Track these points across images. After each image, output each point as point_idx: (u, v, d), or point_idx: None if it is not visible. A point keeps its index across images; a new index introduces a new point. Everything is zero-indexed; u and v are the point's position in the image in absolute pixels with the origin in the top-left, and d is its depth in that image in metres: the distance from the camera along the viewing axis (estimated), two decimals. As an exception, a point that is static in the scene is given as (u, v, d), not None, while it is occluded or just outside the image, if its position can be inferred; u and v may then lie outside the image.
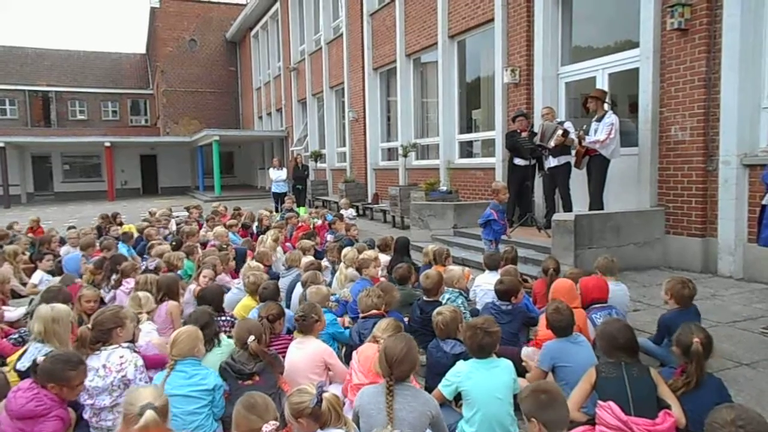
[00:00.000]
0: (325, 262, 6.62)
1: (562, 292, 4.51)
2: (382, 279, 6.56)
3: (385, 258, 7.36)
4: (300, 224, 10.79)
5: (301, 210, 15.13)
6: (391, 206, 12.76)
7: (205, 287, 5.31)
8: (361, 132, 17.07)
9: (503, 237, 7.26)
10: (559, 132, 8.15)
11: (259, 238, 8.60)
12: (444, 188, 11.50)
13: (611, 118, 7.63)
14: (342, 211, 12.53)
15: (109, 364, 3.59)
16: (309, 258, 6.59)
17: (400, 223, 12.43)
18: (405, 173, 13.87)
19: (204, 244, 8.60)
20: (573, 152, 8.30)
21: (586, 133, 7.83)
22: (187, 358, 3.48)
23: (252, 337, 3.68)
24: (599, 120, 7.79)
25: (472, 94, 12.39)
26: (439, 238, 9.73)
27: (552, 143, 8.19)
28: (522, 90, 9.96)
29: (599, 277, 4.89)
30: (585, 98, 8.05)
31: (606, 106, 7.89)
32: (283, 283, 6.11)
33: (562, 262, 6.26)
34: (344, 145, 18.99)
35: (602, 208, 7.81)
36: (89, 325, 3.78)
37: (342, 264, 6.53)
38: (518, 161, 9.33)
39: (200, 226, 10.47)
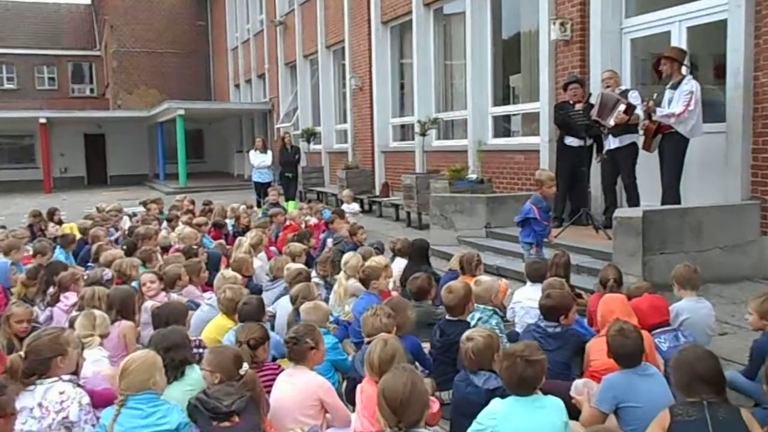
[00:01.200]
0: (314, 278, 6.62)
1: (612, 310, 4.52)
2: (394, 293, 6.58)
3: (397, 266, 7.38)
4: (288, 223, 10.83)
5: (290, 204, 15.21)
6: (405, 200, 12.81)
7: (165, 303, 5.33)
8: (367, 104, 17.13)
9: (546, 240, 7.27)
10: (621, 108, 8.14)
11: (236, 241, 8.64)
12: (474, 176, 11.53)
13: (690, 84, 7.60)
14: (343, 207, 12.58)
15: (46, 403, 3.58)
16: (298, 266, 6.60)
17: (416, 222, 12.47)
18: (423, 157, 13.89)
19: (166, 249, 8.66)
20: (641, 130, 8.28)
21: (658, 104, 7.81)
22: (141, 392, 3.48)
23: (246, 366, 3.70)
24: (675, 87, 7.75)
25: (510, 55, 12.38)
26: (468, 240, 9.73)
27: (611, 122, 8.20)
28: (575, 49, 9.96)
29: (655, 295, 4.92)
30: (657, 59, 8.02)
31: (684, 70, 7.85)
32: (266, 299, 6.14)
33: (626, 271, 6.23)
34: (345, 122, 19.06)
35: (679, 202, 7.80)
36: (21, 353, 3.78)
37: (342, 274, 6.55)
38: (570, 141, 9.33)
39: (160, 225, 10.57)
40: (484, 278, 5.48)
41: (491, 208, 9.99)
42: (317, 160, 20.56)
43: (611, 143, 8.65)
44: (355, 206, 13.10)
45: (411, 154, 14.79)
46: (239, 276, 6.36)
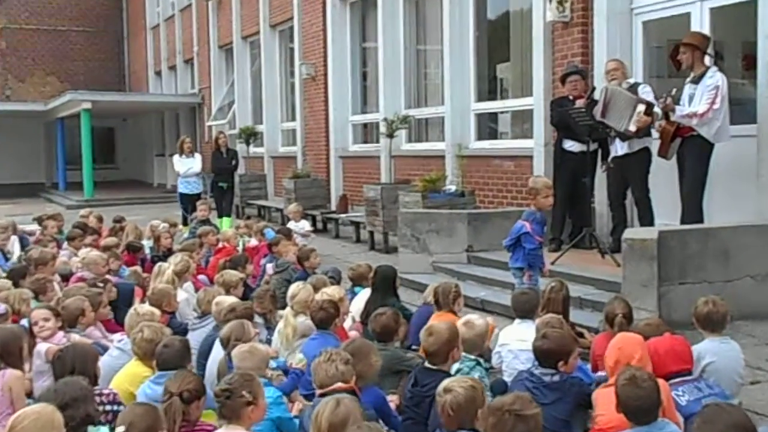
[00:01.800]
0: (255, 317, 6.56)
1: (625, 352, 4.54)
2: (354, 334, 6.51)
3: (358, 299, 7.35)
4: (221, 245, 10.76)
5: (225, 222, 15.12)
6: (368, 216, 12.83)
7: (70, 345, 5.23)
8: (321, 98, 17.18)
9: (541, 271, 7.30)
10: (640, 108, 8.25)
11: (156, 268, 8.54)
12: (452, 188, 11.60)
13: (715, 78, 7.75)
14: (290, 225, 12.53)
15: None
16: (232, 299, 6.56)
17: (381, 244, 12.49)
18: (390, 164, 13.94)
19: (66, 278, 8.51)
20: (655, 132, 8.42)
21: (677, 101, 7.95)
22: (33, 461, 3.39)
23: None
24: (696, 81, 7.91)
25: (497, 40, 12.52)
26: (445, 267, 9.76)
27: (632, 127, 8.32)
28: (575, 33, 10.12)
29: (676, 336, 4.95)
30: (674, 47, 8.18)
31: (707, 60, 8.01)
32: (192, 340, 6.07)
33: (637, 305, 6.29)
34: (293, 119, 19.08)
35: (701, 221, 7.92)
36: None
37: (288, 310, 6.52)
38: (570, 145, 9.46)
39: (59, 248, 10.41)
40: (476, 319, 5.39)
41: (474, 228, 10.03)
42: (258, 166, 20.51)
43: (619, 149, 8.78)
44: (306, 224, 13.06)
45: (375, 160, 14.83)
46: (158, 312, 6.28)
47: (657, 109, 8.27)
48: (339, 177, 16.53)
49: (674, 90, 8.06)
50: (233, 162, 16.85)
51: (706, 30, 8.57)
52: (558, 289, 6.17)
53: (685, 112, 7.83)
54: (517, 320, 5.83)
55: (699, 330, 5.23)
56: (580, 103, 9.10)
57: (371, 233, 12.89)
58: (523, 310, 5.81)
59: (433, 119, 14.00)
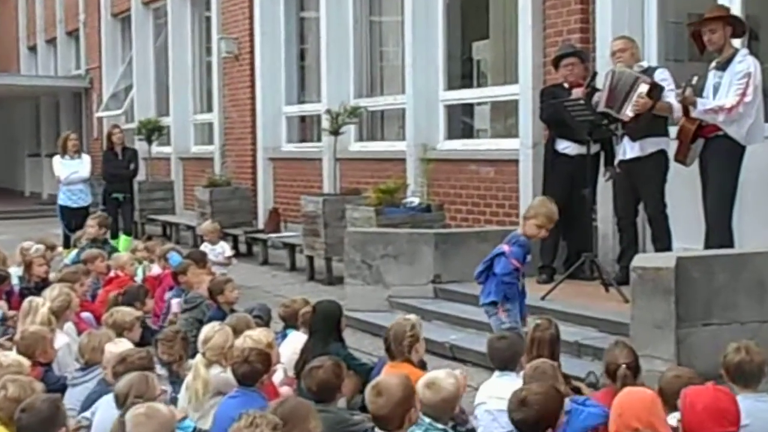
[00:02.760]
0: (158, 368, 6.48)
1: (626, 419, 4.56)
2: (285, 391, 6.46)
3: (291, 345, 7.31)
4: (113, 273, 10.62)
5: (120, 242, 14.97)
6: (306, 237, 12.83)
7: None
8: (246, 83, 17.20)
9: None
10: (641, 89, 8.37)
11: (26, 304, 8.39)
12: (415, 201, 11.63)
13: (746, 62, 7.86)
14: (204, 247, 12.43)
15: None
16: (126, 345, 6.48)
17: (323, 272, 12.50)
18: (335, 169, 13.86)
19: None
20: (672, 130, 8.51)
21: (698, 93, 8.03)
22: None
23: None
24: (723, 68, 8.01)
25: (474, 10, 12.64)
26: (405, 302, 9.76)
27: (629, 112, 8.43)
28: (573, 4, 10.24)
29: (720, 388, 4.94)
30: (697, 24, 8.27)
31: (737, 42, 8.13)
32: (72, 398, 5.98)
33: (649, 352, 6.36)
34: (209, 110, 19.07)
35: (731, 244, 8.00)
36: None
37: (199, 359, 6.46)
38: (565, 147, 9.57)
39: None
40: (443, 378, 5.34)
41: (443, 252, 10.03)
42: (164, 171, 20.43)
43: (628, 151, 8.86)
44: (225, 247, 12.94)
45: (315, 163, 14.88)
46: (27, 363, 6.17)
47: (672, 99, 8.39)
48: (269, 185, 16.53)
49: (695, 78, 8.13)
50: (131, 166, 16.67)
51: (737, 3, 8.71)
52: (545, 327, 6.17)
53: (709, 106, 7.91)
54: (497, 372, 5.82)
55: (728, 384, 5.24)
56: (577, 92, 9.18)
57: (310, 259, 12.87)
58: (503, 359, 5.80)
59: (390, 112, 14.07)
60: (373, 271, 10.20)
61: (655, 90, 8.38)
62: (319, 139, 14.91)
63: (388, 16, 14.36)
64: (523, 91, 10.81)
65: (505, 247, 7.10)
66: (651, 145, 8.73)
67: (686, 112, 8.16)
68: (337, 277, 11.83)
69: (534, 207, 7.33)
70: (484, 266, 7.19)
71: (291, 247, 13.85)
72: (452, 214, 11.85)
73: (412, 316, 6.66)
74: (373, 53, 14.81)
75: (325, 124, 13.72)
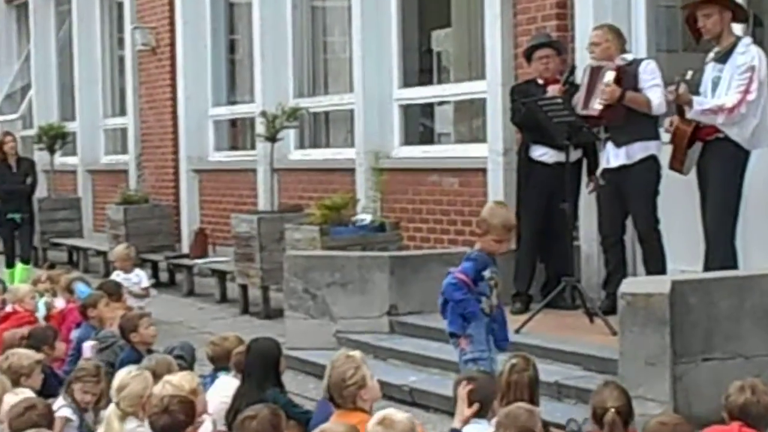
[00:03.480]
0: (63, 410, 6.44)
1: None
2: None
3: (221, 391, 7.29)
4: (10, 308, 10.52)
5: (17, 272, 14.89)
6: (239, 262, 12.81)
7: None
8: (166, 81, 17.18)
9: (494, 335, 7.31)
10: (607, 77, 8.52)
11: None
12: (366, 218, 11.60)
13: (750, 54, 7.92)
14: (116, 276, 12.34)
15: None
16: (25, 394, 6.44)
17: (259, 304, 12.50)
18: (272, 181, 13.85)
19: None
20: (664, 131, 8.58)
21: (694, 89, 8.09)
22: None
23: None
24: (723, 60, 8.08)
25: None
26: (356, 338, 9.70)
27: (596, 104, 8.57)
28: (547, -15, 10.38)
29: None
30: (690, 8, 8.33)
31: (739, 29, 8.21)
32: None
33: (641, 393, 6.37)
34: (122, 113, 19.00)
35: (734, 264, 8.04)
36: None
37: (112, 409, 6.42)
38: (541, 154, 9.62)
39: None
40: (394, 413, 5.37)
41: (399, 279, 10.02)
42: (69, 186, 20.31)
43: (612, 158, 8.90)
44: (141, 276, 12.86)
45: (249, 175, 14.91)
46: None
47: (652, 93, 8.54)
48: (194, 202, 16.48)
49: (690, 72, 8.15)
50: (28, 180, 16.50)
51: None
52: (522, 368, 6.14)
53: (706, 105, 7.95)
54: (473, 424, 5.81)
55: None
56: (554, 89, 9.24)
57: (243, 288, 12.86)
58: (479, 403, 5.81)
59: (337, 114, 14.12)
60: (318, 302, 10.17)
61: (624, 76, 8.49)
62: (253, 147, 14.90)
63: (333, 0, 14.37)
64: (492, 89, 10.85)
65: (461, 280, 6.92)
66: (639, 150, 8.77)
67: (681, 112, 8.17)
68: (276, 309, 11.81)
69: (485, 221, 7.04)
70: (448, 292, 7.12)
71: (221, 275, 13.81)
72: (410, 233, 11.87)
73: (356, 354, 6.53)
74: (316, 44, 14.82)
75: (260, 128, 13.67)
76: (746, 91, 7.79)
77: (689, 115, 8.08)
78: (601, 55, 8.85)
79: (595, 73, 8.71)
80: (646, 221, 8.87)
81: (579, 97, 8.79)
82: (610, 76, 8.48)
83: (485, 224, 7.10)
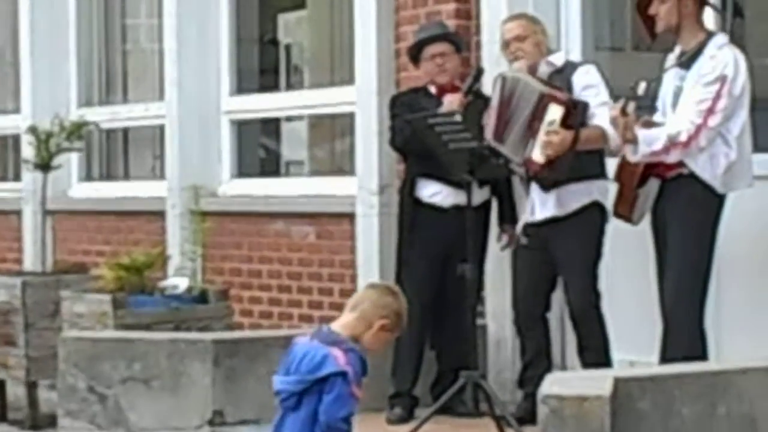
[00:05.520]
0: None
1: None
2: None
3: None
4: None
5: None
6: (-5, 347, 12.56)
7: None
8: None
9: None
10: (552, 114, 8.35)
11: None
12: (180, 283, 11.50)
13: (722, 57, 7.98)
14: None
15: None
16: None
17: (23, 408, 12.33)
18: (43, 227, 13.71)
19: None
20: (610, 159, 8.64)
21: (648, 106, 8.16)
22: None
23: None
24: (687, 64, 8.14)
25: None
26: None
27: (538, 155, 8.44)
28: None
29: None
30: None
31: (709, 21, 8.33)
32: None
33: None
34: None
35: (702, 354, 8.12)
36: None
37: None
38: (433, 193, 9.61)
39: None
40: None
41: (227, 372, 9.98)
42: None
43: (538, 207, 8.90)
44: None
45: (11, 219, 14.90)
46: None
47: (603, 120, 8.46)
48: None
49: (642, 85, 8.18)
50: None
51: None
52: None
53: (656, 146, 7.75)
54: None
55: None
56: (451, 101, 9.21)
57: (1, 383, 12.66)
58: None
59: (140, 131, 14.12)
60: (109, 405, 10.07)
61: (575, 112, 8.42)
62: (17, 178, 14.78)
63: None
64: (363, 99, 10.89)
65: (338, 356, 6.73)
66: (576, 195, 8.74)
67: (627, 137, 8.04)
68: (47, 415, 11.69)
69: (368, 312, 6.82)
70: (299, 385, 6.84)
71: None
72: (245, 305, 11.86)
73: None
74: (111, 32, 14.81)
75: (28, 151, 13.62)
76: (709, 112, 7.75)
77: (634, 158, 7.98)
78: (533, 54, 8.84)
79: (517, 88, 8.60)
80: (582, 295, 8.80)
81: (489, 119, 8.76)
82: (555, 113, 8.33)
83: (369, 314, 6.87)
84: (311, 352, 6.36)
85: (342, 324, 6.45)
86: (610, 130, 8.36)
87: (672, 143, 7.74)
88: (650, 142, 7.78)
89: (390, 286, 7.06)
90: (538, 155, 8.40)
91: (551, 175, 8.57)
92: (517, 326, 9.35)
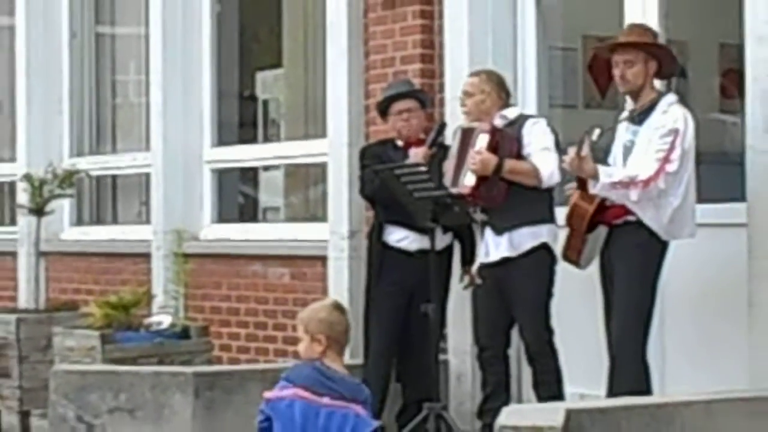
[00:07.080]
0: None
1: None
2: None
3: None
4: None
5: None
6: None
7: None
8: None
9: None
10: (480, 140, 8.54)
11: None
12: (164, 320, 11.51)
13: (673, 114, 8.05)
14: None
15: None
16: None
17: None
18: (37, 268, 13.66)
19: None
20: (564, 197, 8.71)
21: (601, 156, 8.20)
22: None
23: None
24: (639, 120, 8.22)
25: (259, 23, 12.84)
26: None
27: (465, 181, 8.62)
28: (410, 16, 10.48)
29: None
30: (603, 50, 8.50)
31: (657, 82, 8.42)
32: None
33: None
34: None
35: (647, 388, 8.13)
36: None
37: None
38: (400, 238, 9.72)
39: None
40: None
41: (209, 405, 9.92)
42: None
43: (492, 249, 8.95)
44: None
45: (6, 260, 14.90)
46: None
47: (540, 159, 8.60)
48: None
49: (597, 131, 8.00)
50: None
51: (654, 21, 8.97)
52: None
53: (616, 177, 7.86)
54: None
55: None
56: (416, 153, 9.32)
57: (-6, 413, 12.66)
58: None
59: (128, 180, 14.11)
60: (94, 433, 10.12)
61: (503, 141, 8.60)
62: (12, 222, 14.78)
63: (125, 26, 14.40)
64: (335, 150, 10.95)
65: (358, 409, 6.66)
66: (527, 238, 8.77)
67: (581, 184, 8.07)
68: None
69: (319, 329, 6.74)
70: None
71: None
72: (224, 341, 11.88)
73: None
74: (102, 85, 14.81)
75: (23, 197, 13.61)
76: (666, 160, 7.79)
77: (594, 189, 7.93)
78: (474, 111, 8.92)
79: (468, 136, 8.74)
80: (535, 332, 8.86)
81: (448, 169, 8.89)
82: (482, 140, 8.53)
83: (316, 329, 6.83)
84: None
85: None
86: (545, 169, 8.62)
87: (632, 181, 7.79)
88: (610, 174, 7.89)
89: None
90: (467, 179, 8.60)
91: (485, 203, 8.77)
92: (480, 362, 9.37)
